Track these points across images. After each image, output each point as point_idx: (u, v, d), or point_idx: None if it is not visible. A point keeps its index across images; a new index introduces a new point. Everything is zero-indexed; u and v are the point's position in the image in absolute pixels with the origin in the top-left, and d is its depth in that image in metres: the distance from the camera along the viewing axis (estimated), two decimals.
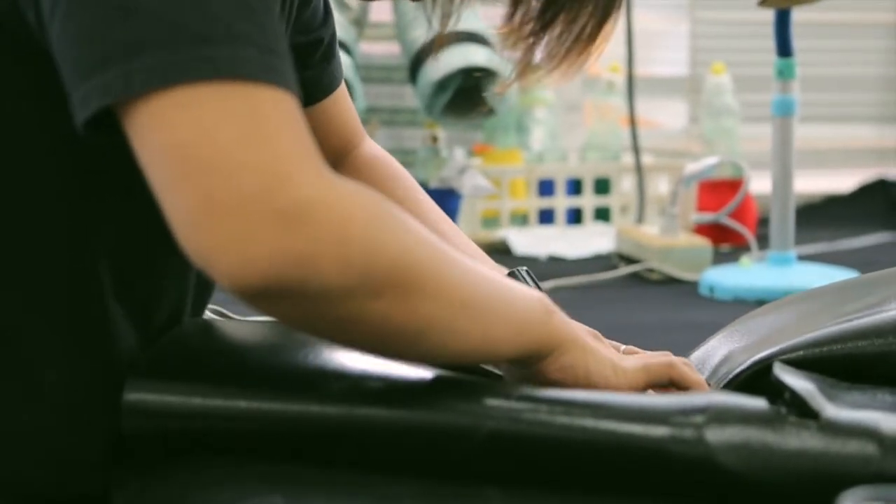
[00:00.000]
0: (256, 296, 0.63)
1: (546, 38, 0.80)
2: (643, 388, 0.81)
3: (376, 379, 0.75)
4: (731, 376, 0.83)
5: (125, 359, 0.75)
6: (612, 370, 0.80)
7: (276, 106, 0.63)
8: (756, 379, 0.81)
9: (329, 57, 0.95)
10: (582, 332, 0.80)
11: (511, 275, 0.95)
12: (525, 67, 0.82)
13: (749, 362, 0.83)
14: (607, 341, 0.87)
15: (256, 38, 0.63)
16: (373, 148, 1.02)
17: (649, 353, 0.87)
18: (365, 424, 0.73)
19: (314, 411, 0.73)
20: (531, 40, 0.80)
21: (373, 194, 0.67)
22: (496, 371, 0.82)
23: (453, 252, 0.72)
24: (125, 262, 0.69)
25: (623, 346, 0.88)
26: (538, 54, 0.81)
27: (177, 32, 0.60)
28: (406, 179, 1.01)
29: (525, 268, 0.97)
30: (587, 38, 0.81)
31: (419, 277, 0.68)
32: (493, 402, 0.72)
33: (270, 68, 0.63)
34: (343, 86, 0.99)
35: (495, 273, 0.76)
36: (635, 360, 0.82)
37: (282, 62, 0.64)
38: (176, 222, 0.61)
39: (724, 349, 0.88)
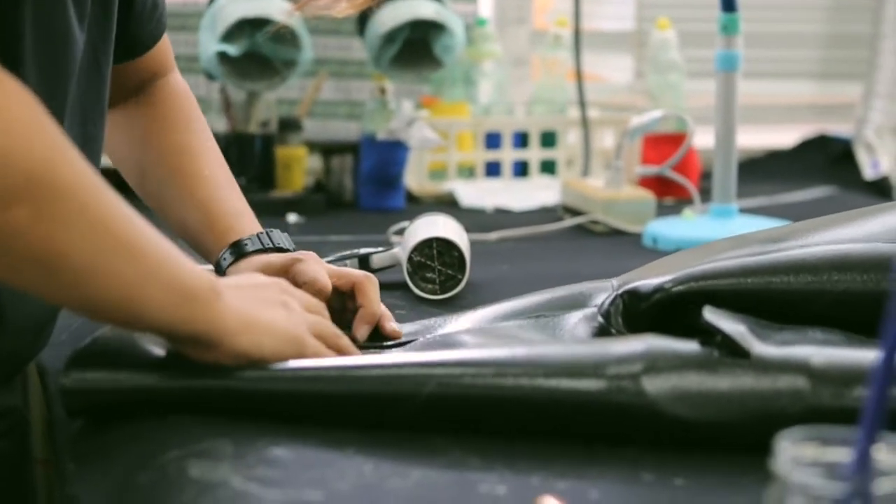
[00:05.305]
0: None
1: None
2: (319, 351, 0.80)
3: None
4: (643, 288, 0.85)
5: None
6: (289, 345, 0.78)
7: None
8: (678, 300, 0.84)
9: (157, 5, 0.99)
10: (250, 311, 0.76)
11: (268, 233, 0.97)
12: None
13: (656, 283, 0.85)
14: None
15: None
16: (178, 83, 1.05)
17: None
18: (307, 396, 0.75)
19: (249, 387, 0.75)
20: None
21: (29, 101, 0.64)
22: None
23: (116, 197, 0.68)
24: None
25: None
26: None
27: None
28: (199, 120, 1.03)
29: (277, 230, 0.98)
30: None
31: (62, 197, 0.65)
32: (429, 369, 0.73)
33: None
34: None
35: (168, 242, 0.73)
36: (303, 323, 0.80)
37: None
38: None
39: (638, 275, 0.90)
